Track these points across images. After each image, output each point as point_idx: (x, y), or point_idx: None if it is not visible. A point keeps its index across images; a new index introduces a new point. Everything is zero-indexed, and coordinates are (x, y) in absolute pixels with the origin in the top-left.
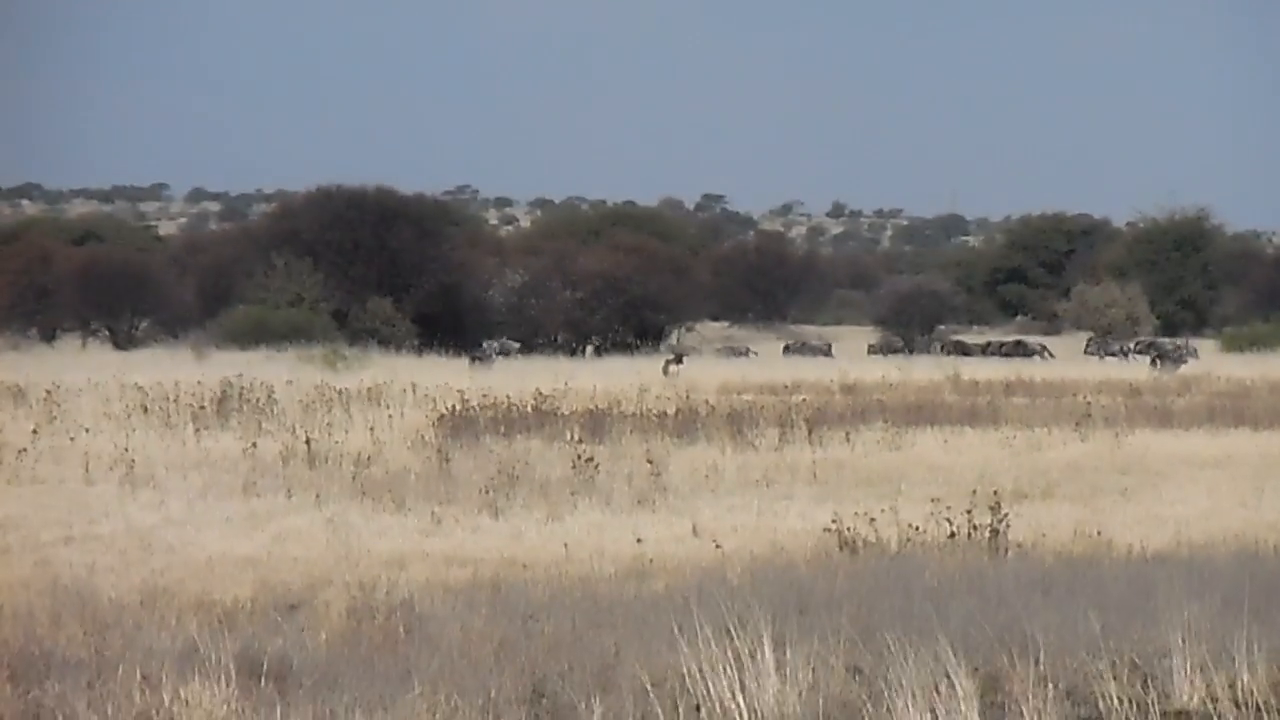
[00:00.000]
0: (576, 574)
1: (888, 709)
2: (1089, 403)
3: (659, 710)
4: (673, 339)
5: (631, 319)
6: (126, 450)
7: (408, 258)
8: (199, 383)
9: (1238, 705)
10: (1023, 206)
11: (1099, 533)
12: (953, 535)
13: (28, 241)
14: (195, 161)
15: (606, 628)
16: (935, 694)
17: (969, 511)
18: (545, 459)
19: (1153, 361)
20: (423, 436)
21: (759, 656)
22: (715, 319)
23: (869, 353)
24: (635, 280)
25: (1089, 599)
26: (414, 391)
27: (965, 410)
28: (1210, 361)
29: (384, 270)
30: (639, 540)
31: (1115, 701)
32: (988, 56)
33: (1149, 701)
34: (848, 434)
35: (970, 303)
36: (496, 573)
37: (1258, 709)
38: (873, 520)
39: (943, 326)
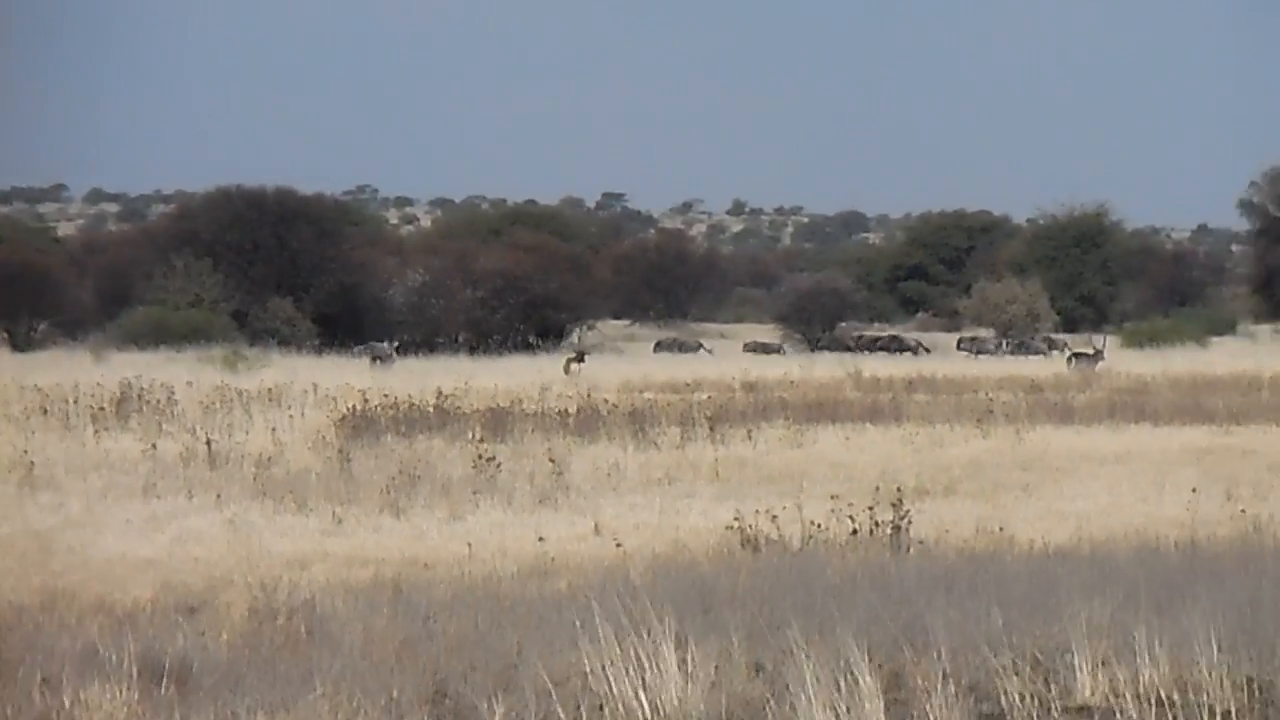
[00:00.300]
0: (479, 573)
1: (791, 706)
2: (991, 399)
3: (561, 710)
4: (574, 338)
5: (533, 318)
6: (25, 452)
7: (308, 258)
8: (98, 384)
9: (1139, 700)
10: (923, 204)
11: (1001, 529)
12: (855, 532)
13: None
14: (94, 162)
15: (509, 627)
16: (838, 690)
17: (871, 508)
18: (447, 458)
19: (1069, 360)
20: (324, 437)
21: (661, 654)
22: (616, 317)
23: (744, 349)
24: (536, 279)
25: (991, 595)
26: (315, 392)
27: (867, 407)
28: (1111, 358)
29: (284, 270)
30: (541, 539)
31: (1017, 697)
32: (886, 53)
33: (1050, 697)
34: (750, 432)
35: (871, 300)
36: (398, 572)
37: (1159, 704)
38: (775, 518)
39: (844, 324)
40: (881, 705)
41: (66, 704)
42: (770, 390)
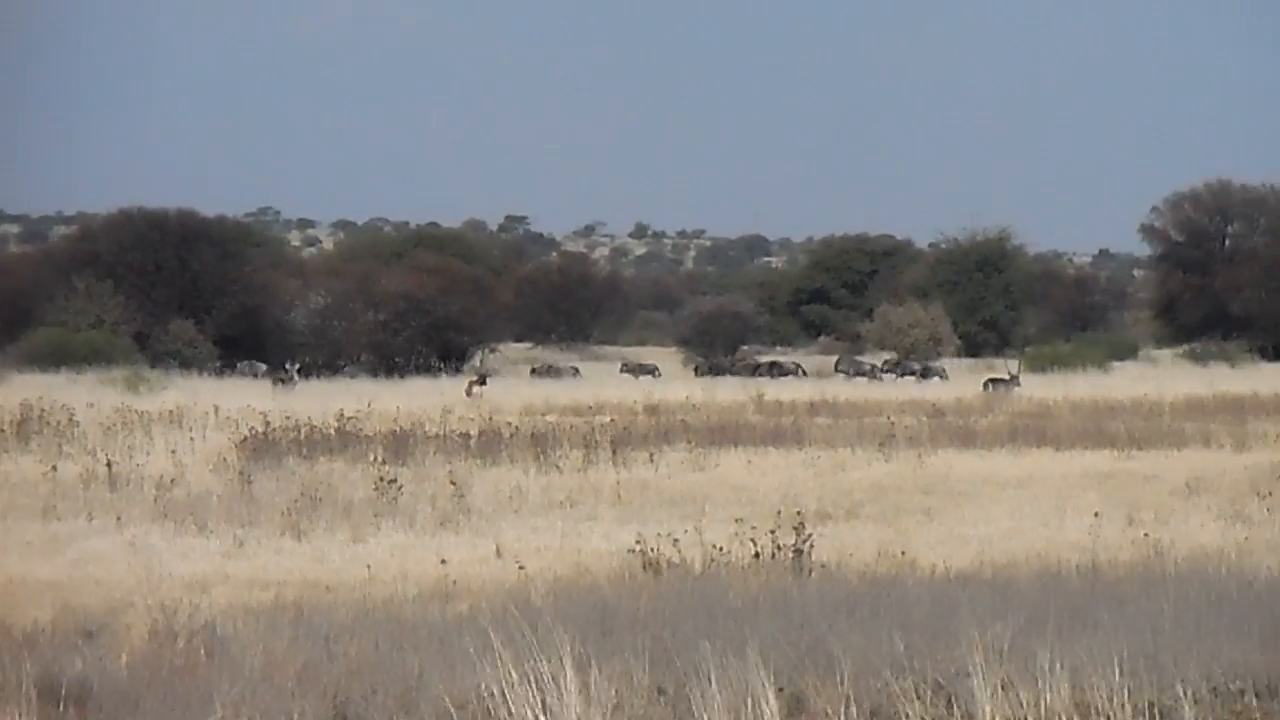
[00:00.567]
0: (380, 596)
1: None
2: (892, 423)
3: None
4: (476, 360)
5: (435, 340)
6: None
7: (209, 280)
8: None
9: None
10: (825, 227)
11: (903, 553)
12: (757, 556)
13: None
14: None
15: (410, 650)
16: (740, 714)
17: (773, 532)
18: (348, 481)
19: (986, 385)
20: (225, 459)
21: (562, 677)
22: (519, 340)
23: (621, 370)
24: (438, 301)
25: (893, 619)
26: (216, 414)
27: (769, 431)
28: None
29: (186, 292)
30: (443, 561)
31: None
32: (789, 76)
33: None
34: (652, 455)
35: (774, 324)
36: (299, 595)
37: None
38: (677, 541)
39: (746, 347)
40: None
41: None
42: (672, 413)
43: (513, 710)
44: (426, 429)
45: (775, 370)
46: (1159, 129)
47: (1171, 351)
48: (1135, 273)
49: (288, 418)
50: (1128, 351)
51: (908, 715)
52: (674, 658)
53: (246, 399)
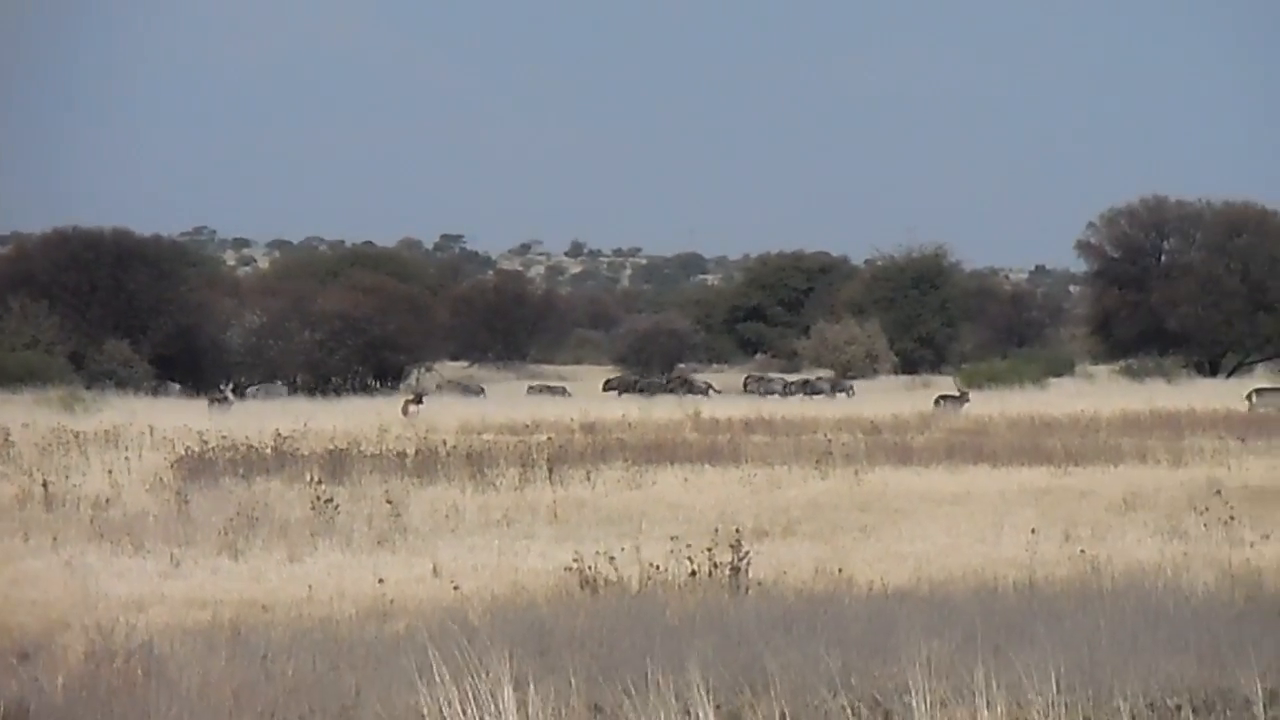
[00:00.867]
0: (317, 615)
1: None
2: (829, 440)
3: None
4: (412, 379)
5: (371, 359)
6: None
7: (145, 299)
8: None
9: None
10: (761, 245)
11: (840, 570)
12: (694, 574)
13: None
14: None
15: (347, 669)
16: None
17: (710, 550)
18: (285, 500)
19: (936, 402)
20: (161, 479)
21: (500, 696)
22: (455, 358)
23: (528, 392)
24: (374, 320)
25: (830, 636)
26: (152, 434)
27: (706, 448)
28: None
29: (121, 312)
30: (380, 581)
31: None
32: (723, 94)
33: None
34: (589, 473)
35: (710, 341)
36: (236, 614)
37: None
38: (613, 559)
39: (682, 365)
40: None
41: None
42: (609, 431)
43: None
44: (363, 448)
45: (685, 388)
46: (1094, 145)
47: (1108, 367)
48: (1071, 289)
49: (224, 437)
50: (1064, 368)
51: None
52: (611, 676)
53: (183, 419)
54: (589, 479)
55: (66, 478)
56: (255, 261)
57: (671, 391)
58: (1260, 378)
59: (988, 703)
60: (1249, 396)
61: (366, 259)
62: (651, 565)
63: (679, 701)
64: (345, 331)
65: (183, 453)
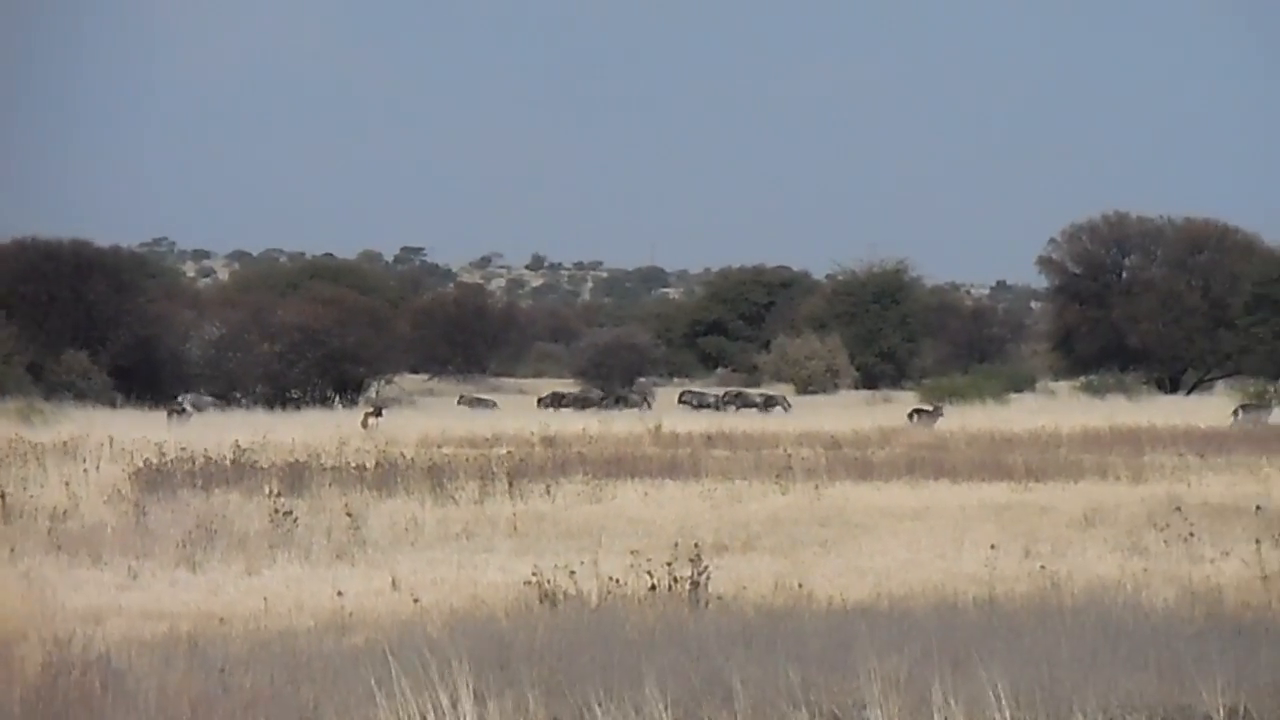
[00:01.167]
0: (275, 628)
1: None
2: (789, 455)
3: None
4: (372, 392)
5: (331, 372)
6: None
7: (104, 310)
8: None
9: None
10: (722, 259)
11: (799, 585)
12: (653, 588)
13: None
14: None
15: (305, 682)
16: None
17: (669, 564)
18: (244, 512)
19: (911, 415)
20: (119, 490)
21: (459, 709)
22: (415, 371)
23: (458, 403)
24: (334, 333)
25: (789, 651)
26: (111, 445)
27: (666, 462)
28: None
29: (80, 323)
30: (339, 594)
31: None
32: (682, 108)
33: None
34: (548, 487)
35: (670, 355)
36: (194, 627)
37: None
38: (573, 573)
39: (643, 379)
40: None
41: None
42: (569, 445)
43: None
44: (322, 461)
45: (620, 404)
46: (1056, 161)
47: (1069, 383)
48: (1033, 304)
49: (183, 449)
50: (1025, 383)
51: None
52: (570, 690)
53: (141, 430)
54: (549, 493)
55: (24, 489)
56: (215, 273)
57: (607, 408)
58: (1221, 394)
59: (947, 718)
60: (1235, 412)
61: (326, 271)
62: (611, 579)
63: (638, 715)
64: (305, 344)
65: (141, 465)
